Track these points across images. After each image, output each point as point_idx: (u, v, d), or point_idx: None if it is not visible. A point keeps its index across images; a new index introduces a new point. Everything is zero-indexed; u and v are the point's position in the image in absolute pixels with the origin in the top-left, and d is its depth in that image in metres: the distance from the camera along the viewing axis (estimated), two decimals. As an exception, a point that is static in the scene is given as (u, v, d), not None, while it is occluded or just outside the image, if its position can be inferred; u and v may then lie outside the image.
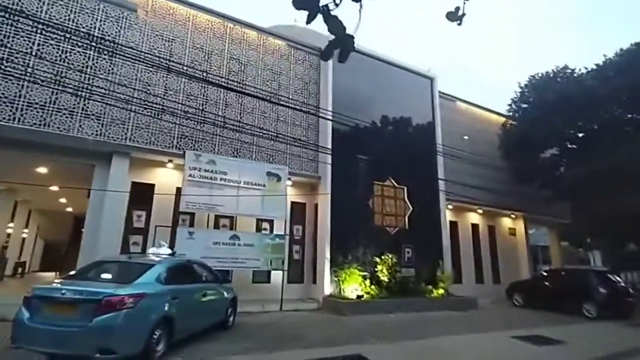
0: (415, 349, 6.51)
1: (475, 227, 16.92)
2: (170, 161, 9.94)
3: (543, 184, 14.98)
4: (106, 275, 4.82)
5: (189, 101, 10.23)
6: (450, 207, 15.60)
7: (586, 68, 14.88)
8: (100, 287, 4.28)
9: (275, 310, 9.85)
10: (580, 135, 13.97)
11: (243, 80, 11.34)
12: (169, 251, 6.10)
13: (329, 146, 11.92)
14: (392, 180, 13.27)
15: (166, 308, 4.84)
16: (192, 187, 9.37)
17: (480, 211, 16.77)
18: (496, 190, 16.45)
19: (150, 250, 6.09)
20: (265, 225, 11.41)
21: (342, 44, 3.25)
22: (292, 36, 12.89)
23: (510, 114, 15.92)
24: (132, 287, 4.42)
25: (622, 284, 11.76)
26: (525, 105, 15.07)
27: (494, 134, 17.06)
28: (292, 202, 12.24)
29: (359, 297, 10.58)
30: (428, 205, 14.04)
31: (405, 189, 13.50)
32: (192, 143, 10.14)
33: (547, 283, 12.76)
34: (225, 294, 7.08)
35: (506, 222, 18.22)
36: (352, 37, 3.24)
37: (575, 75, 14.22)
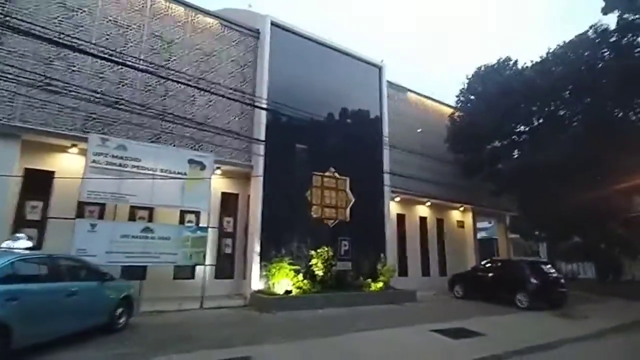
0: (315, 348, 5.99)
1: (423, 219, 16.80)
2: (75, 145, 8.92)
3: (487, 177, 15.00)
4: None
5: (98, 80, 9.22)
6: (397, 199, 15.34)
7: (532, 61, 14.94)
8: None
9: (194, 309, 9.14)
10: (522, 128, 14.04)
11: (167, 60, 10.43)
12: (28, 244, 5.23)
13: (262, 134, 11.26)
14: (334, 171, 12.78)
15: (-5, 312, 4.04)
16: (96, 175, 8.42)
17: (428, 204, 16.65)
18: (445, 183, 16.39)
19: (4, 244, 5.20)
20: (191, 217, 10.62)
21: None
22: (226, 15, 12.04)
23: (458, 105, 15.81)
24: None
25: (555, 275, 11.87)
26: (471, 97, 15.00)
27: (444, 126, 16.94)
28: (223, 193, 11.51)
29: (287, 292, 10.02)
30: (372, 197, 13.68)
31: (348, 180, 13.05)
32: (102, 127, 9.15)
33: (485, 274, 12.75)
34: (111, 292, 6.29)
35: (455, 215, 18.26)
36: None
37: (518, 67, 14.23)
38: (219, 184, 11.38)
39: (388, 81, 16.09)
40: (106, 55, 8.18)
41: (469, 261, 17.62)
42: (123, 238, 8.55)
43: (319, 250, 11.34)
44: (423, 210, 16.82)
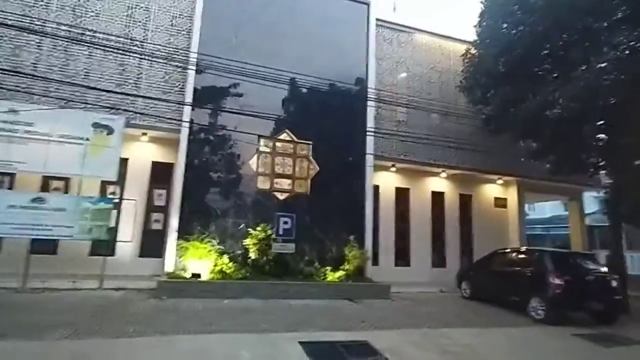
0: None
1: (438, 195, 13.11)
2: (-23, 114, 8.59)
3: (521, 132, 10.53)
4: None
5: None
6: (393, 169, 12.16)
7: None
8: None
9: (90, 288, 8.10)
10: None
11: (80, 16, 9.52)
12: None
13: (189, 95, 9.65)
14: (290, 134, 10.45)
15: None
16: (-18, 141, 7.91)
17: (444, 175, 12.89)
18: (472, 147, 12.45)
19: None
20: (115, 189, 9.66)
21: None
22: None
23: (476, 41, 11.52)
24: None
25: (602, 273, 7.58)
26: (490, 22, 10.65)
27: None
28: (154, 162, 10.31)
29: (194, 275, 8.33)
30: (347, 166, 10.99)
31: (311, 145, 10.57)
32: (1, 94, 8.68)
33: (497, 269, 9.02)
34: None
35: (491, 190, 13.94)
36: None
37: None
38: (149, 152, 10.21)
39: (387, 21, 12.84)
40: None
41: (509, 250, 13.28)
42: (10, 209, 7.89)
43: (257, 229, 9.33)
44: (438, 183, 13.12)
